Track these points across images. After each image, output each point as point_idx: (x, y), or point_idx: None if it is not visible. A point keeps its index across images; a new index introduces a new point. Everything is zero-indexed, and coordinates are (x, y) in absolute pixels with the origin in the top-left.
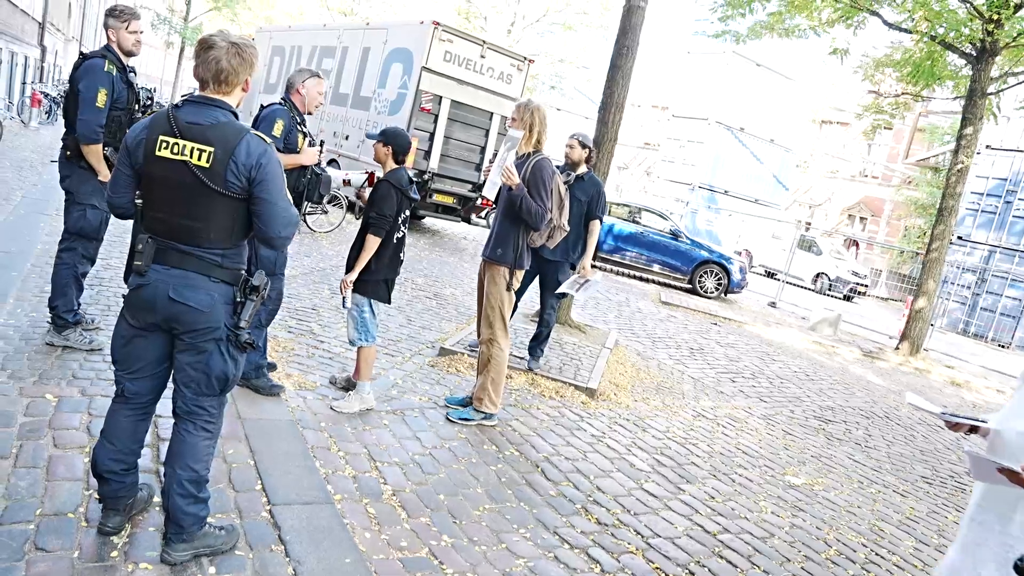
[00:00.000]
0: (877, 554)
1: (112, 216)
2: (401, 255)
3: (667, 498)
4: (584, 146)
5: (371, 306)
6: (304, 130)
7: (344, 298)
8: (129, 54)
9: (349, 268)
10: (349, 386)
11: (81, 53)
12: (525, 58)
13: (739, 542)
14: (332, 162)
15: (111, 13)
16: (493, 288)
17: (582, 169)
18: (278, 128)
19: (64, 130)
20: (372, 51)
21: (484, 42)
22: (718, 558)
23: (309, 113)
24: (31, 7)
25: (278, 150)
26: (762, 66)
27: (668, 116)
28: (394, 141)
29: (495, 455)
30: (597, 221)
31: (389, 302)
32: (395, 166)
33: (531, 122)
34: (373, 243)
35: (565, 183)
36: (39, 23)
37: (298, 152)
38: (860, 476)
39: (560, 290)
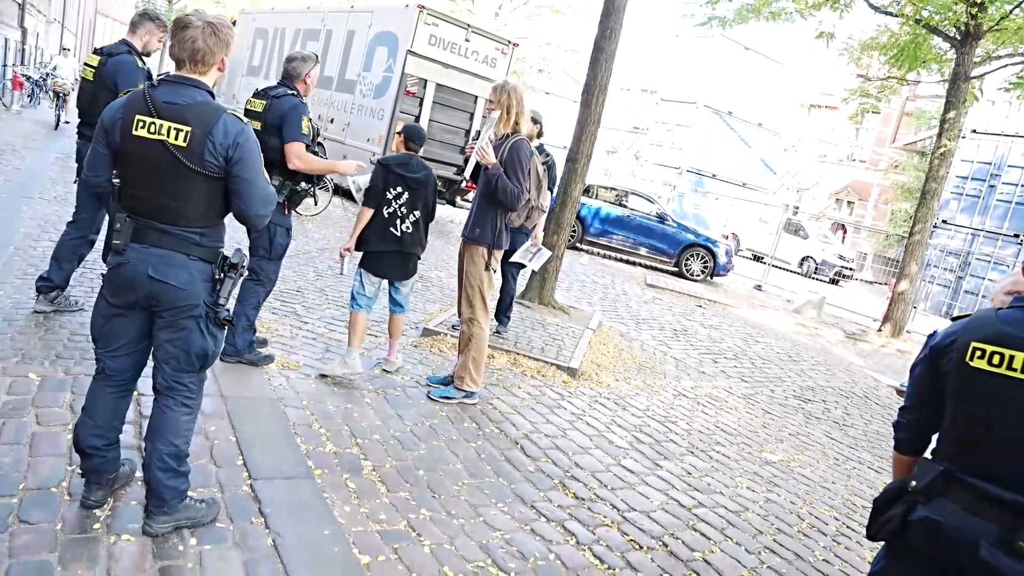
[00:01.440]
0: (848, 527)
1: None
2: (392, 230)
3: (644, 474)
4: (535, 121)
5: (361, 277)
6: (310, 118)
7: (340, 265)
8: (148, 55)
9: None
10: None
11: (98, 50)
12: (509, 42)
13: (713, 515)
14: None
15: (152, 17)
16: (472, 268)
17: (534, 143)
18: (305, 126)
19: (83, 133)
20: (357, 34)
21: (469, 25)
22: (692, 530)
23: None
24: None
25: (306, 148)
26: (750, 50)
27: (656, 100)
28: (406, 132)
29: (475, 432)
30: (548, 192)
31: (379, 276)
32: (403, 151)
33: (508, 103)
34: (362, 213)
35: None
36: (19, 4)
37: (311, 143)
38: (836, 453)
39: (513, 259)
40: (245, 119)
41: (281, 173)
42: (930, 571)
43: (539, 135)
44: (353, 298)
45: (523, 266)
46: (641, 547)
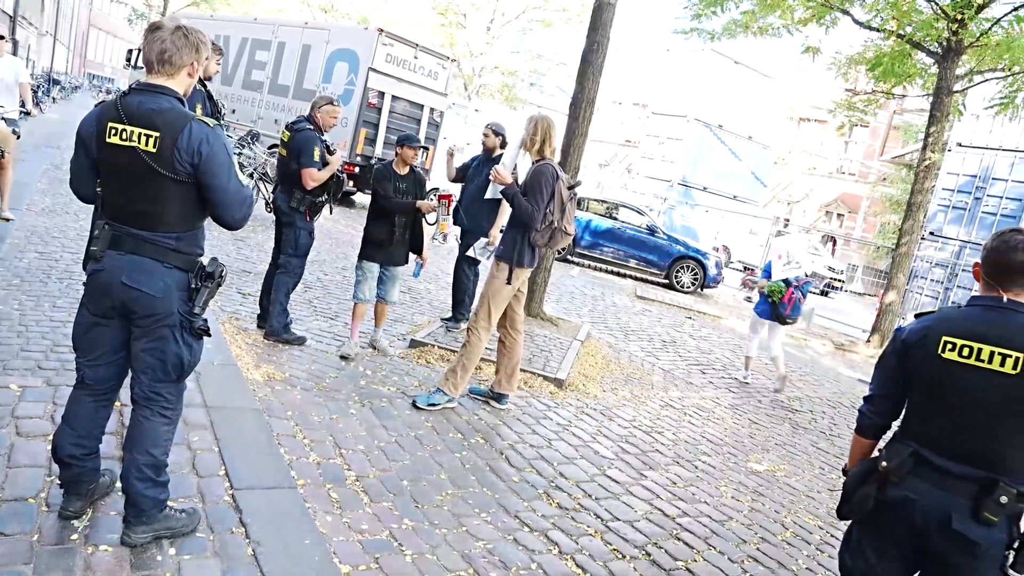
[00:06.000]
0: (832, 535)
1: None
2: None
3: (629, 484)
4: (497, 134)
5: (360, 267)
6: (326, 143)
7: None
8: (208, 79)
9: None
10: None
11: None
12: (448, 57)
13: (697, 525)
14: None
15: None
16: (490, 279)
17: (498, 154)
18: (317, 154)
19: None
20: (313, 49)
21: (417, 44)
22: (675, 540)
23: (324, 130)
24: (1, 0)
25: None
26: (740, 64)
27: (648, 113)
28: (410, 145)
29: (460, 443)
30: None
31: (376, 261)
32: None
33: (532, 132)
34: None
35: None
36: (10, 16)
37: (327, 164)
38: (822, 463)
39: (468, 254)
40: (211, 122)
41: (301, 189)
42: (900, 543)
43: (502, 146)
44: (353, 290)
45: (476, 263)
46: (624, 556)
